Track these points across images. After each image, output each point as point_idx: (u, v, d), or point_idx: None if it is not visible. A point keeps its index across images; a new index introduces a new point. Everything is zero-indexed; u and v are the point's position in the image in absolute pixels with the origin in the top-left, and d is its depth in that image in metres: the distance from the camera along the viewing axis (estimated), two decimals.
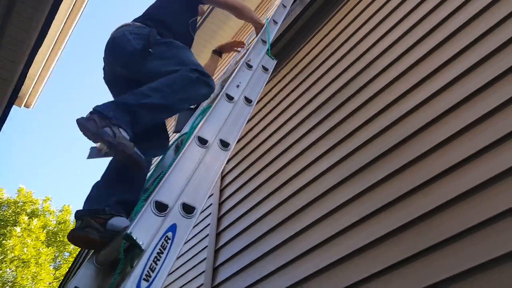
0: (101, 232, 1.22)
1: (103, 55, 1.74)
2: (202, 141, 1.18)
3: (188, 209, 0.97)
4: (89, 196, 1.39)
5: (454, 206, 1.16)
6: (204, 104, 1.97)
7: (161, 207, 0.94)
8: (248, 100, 1.47)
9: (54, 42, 4.58)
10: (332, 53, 2.31)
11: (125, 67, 1.67)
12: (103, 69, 1.79)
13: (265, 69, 1.74)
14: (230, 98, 1.42)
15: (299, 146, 2.15)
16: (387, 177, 1.49)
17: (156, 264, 0.83)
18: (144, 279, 0.79)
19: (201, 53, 4.83)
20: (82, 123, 1.25)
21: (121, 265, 0.97)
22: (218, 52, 2.50)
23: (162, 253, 0.85)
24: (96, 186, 1.43)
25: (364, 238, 1.44)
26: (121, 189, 1.40)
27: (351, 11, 2.34)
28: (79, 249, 7.34)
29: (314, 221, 1.75)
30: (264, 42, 1.93)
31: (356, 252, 1.41)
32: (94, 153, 1.30)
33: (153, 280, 0.80)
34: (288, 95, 2.54)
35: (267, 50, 1.88)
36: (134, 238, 0.84)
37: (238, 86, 1.52)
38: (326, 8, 2.65)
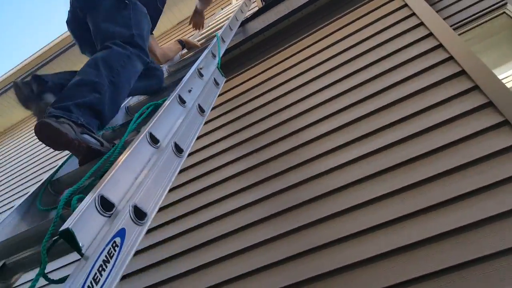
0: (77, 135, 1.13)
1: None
2: (154, 140, 1.04)
3: (140, 215, 0.82)
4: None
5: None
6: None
7: (107, 206, 0.77)
8: (201, 110, 1.38)
9: None
10: (262, 93, 2.45)
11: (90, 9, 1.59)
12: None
13: (217, 83, 1.68)
14: (182, 101, 1.31)
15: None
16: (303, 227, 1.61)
17: (101, 275, 0.66)
18: None
19: None
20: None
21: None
22: (183, 44, 2.47)
23: (109, 262, 0.69)
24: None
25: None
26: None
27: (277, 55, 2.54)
28: None
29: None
30: (214, 56, 1.88)
31: None
32: None
33: None
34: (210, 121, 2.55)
35: (218, 64, 1.83)
36: (76, 236, 0.66)
37: (190, 91, 1.42)
38: (260, 49, 2.77)
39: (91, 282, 0.64)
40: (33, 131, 1.28)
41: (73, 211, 0.74)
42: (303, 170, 1.89)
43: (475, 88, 1.59)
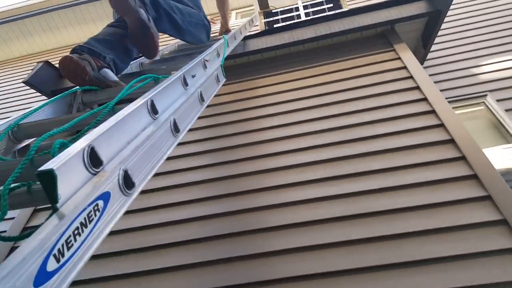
0: (95, 71, 1.30)
1: None
2: (154, 110, 0.91)
3: (128, 183, 0.68)
4: (89, 43, 1.43)
5: None
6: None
7: (95, 161, 0.63)
8: (202, 98, 1.27)
9: None
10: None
11: None
12: None
13: (218, 79, 1.58)
14: (185, 83, 1.20)
15: None
16: None
17: (75, 240, 0.51)
18: (54, 255, 0.47)
19: None
20: None
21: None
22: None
23: (86, 226, 0.54)
24: (95, 39, 1.47)
25: None
26: (119, 53, 1.49)
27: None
28: None
29: None
30: (218, 54, 1.80)
31: None
32: None
33: (65, 263, 0.48)
34: None
35: (221, 63, 1.75)
36: (57, 182, 0.51)
37: (193, 76, 1.31)
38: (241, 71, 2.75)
39: (62, 245, 0.48)
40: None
41: (53, 156, 0.59)
42: (266, 196, 1.80)
43: (462, 158, 1.63)
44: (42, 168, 0.50)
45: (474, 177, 1.54)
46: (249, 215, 1.77)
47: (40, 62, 2.45)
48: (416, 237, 1.43)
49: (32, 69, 2.38)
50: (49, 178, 0.50)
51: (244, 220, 1.74)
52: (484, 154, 1.59)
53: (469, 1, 3.71)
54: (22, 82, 2.24)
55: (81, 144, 0.59)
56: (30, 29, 5.78)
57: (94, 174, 0.62)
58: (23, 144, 1.01)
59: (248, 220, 1.73)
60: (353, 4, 4.58)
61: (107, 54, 1.41)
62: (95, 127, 0.76)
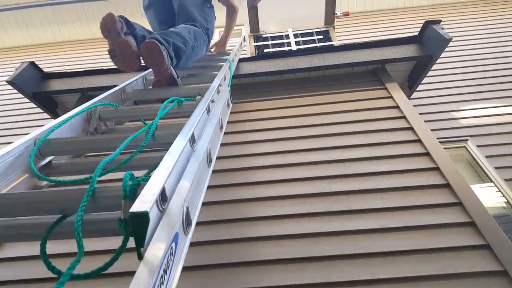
0: (170, 64, 1.57)
1: None
2: (193, 140, 0.85)
3: (188, 221, 0.61)
4: (168, 35, 1.70)
5: None
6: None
7: (163, 197, 0.56)
8: (221, 125, 1.21)
9: None
10: None
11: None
12: None
13: (228, 105, 1.54)
14: (208, 110, 1.14)
15: None
16: None
17: None
18: None
19: None
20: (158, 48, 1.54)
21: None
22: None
23: (166, 273, 0.47)
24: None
25: None
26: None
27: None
28: None
29: None
30: (225, 78, 1.76)
31: None
32: None
33: None
34: None
35: (229, 86, 1.71)
36: (148, 227, 0.44)
37: (213, 102, 1.25)
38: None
39: None
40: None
41: (126, 190, 0.51)
42: (261, 226, 1.74)
43: (459, 204, 1.67)
44: (135, 210, 0.43)
45: (471, 224, 1.58)
46: (241, 245, 1.69)
47: (25, 62, 2.28)
48: (417, 281, 1.43)
49: (16, 69, 2.21)
50: (142, 221, 0.43)
51: (235, 251, 1.66)
52: (480, 201, 1.64)
53: (458, 46, 3.94)
54: (6, 81, 2.07)
55: (159, 183, 0.52)
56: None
57: (161, 211, 0.55)
58: (46, 160, 0.90)
59: (240, 251, 1.66)
60: (342, 37, 4.74)
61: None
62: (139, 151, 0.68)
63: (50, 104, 2.75)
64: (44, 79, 2.52)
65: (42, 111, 2.73)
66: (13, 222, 0.65)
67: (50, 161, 0.97)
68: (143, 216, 0.43)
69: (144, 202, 0.46)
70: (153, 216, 0.49)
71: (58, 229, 0.65)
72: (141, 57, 1.58)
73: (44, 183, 0.90)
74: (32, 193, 0.68)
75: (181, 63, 1.76)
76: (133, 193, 0.60)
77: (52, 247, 0.77)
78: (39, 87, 2.37)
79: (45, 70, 2.75)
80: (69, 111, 1.19)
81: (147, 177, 0.62)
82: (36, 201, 0.66)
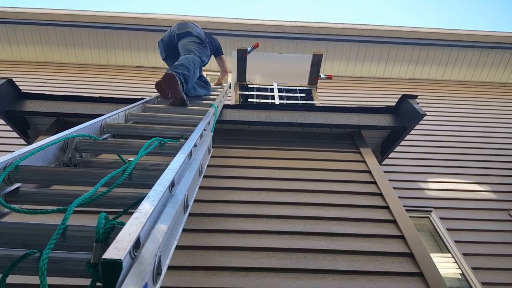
0: (182, 91, 2.38)
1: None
2: (172, 185, 0.86)
3: (158, 270, 0.60)
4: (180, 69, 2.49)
5: None
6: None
7: (137, 243, 0.56)
8: (201, 171, 1.23)
9: None
10: None
11: (182, 37, 3.07)
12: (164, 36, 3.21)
13: (209, 150, 1.56)
14: (190, 155, 1.16)
15: None
16: None
17: None
18: None
19: None
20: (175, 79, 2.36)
21: None
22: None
23: None
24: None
25: None
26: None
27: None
28: None
29: None
30: (209, 123, 1.80)
31: None
32: None
33: None
34: None
35: (212, 131, 1.74)
36: (119, 278, 0.44)
37: (195, 146, 1.28)
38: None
39: None
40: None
41: (100, 232, 0.51)
42: (229, 276, 1.70)
43: (420, 274, 1.71)
44: (109, 257, 0.43)
45: None
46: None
47: (2, 78, 2.25)
48: None
49: None
50: (114, 270, 0.43)
51: None
52: (439, 273, 1.68)
53: (431, 121, 4.20)
54: None
55: (135, 230, 0.52)
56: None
57: (133, 258, 0.54)
58: (14, 187, 0.88)
59: None
60: (323, 98, 4.98)
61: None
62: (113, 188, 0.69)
63: (22, 124, 2.67)
64: (20, 98, 2.47)
65: (11, 129, 2.65)
66: None
67: (17, 188, 0.94)
68: (116, 265, 0.43)
69: (119, 249, 0.46)
70: (125, 263, 0.49)
71: (21, 264, 0.62)
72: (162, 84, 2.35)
73: (7, 210, 0.87)
74: None
75: (189, 86, 2.52)
76: (106, 236, 0.60)
77: (13, 277, 0.73)
78: (13, 106, 2.32)
79: (22, 88, 2.72)
80: (41, 133, 1.17)
81: (122, 222, 0.62)
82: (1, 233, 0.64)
